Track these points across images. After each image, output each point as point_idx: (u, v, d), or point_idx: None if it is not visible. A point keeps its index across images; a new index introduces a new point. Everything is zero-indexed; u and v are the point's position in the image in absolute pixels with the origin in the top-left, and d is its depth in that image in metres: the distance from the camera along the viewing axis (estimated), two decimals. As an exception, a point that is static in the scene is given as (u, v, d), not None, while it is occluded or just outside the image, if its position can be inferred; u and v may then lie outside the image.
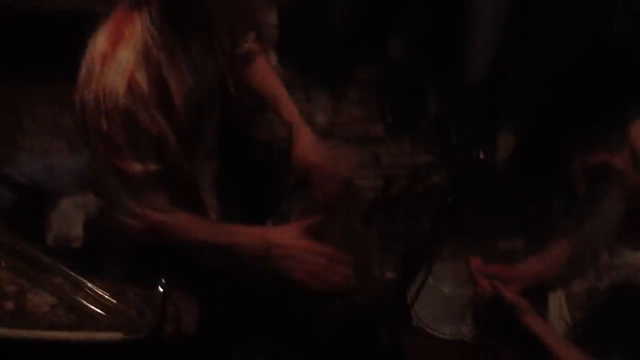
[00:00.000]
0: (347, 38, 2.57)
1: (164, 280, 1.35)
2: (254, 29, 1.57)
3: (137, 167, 1.22)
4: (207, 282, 1.46)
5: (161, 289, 1.34)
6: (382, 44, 3.00)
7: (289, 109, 1.61)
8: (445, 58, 2.50)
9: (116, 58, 1.16)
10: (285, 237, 1.29)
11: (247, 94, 1.63)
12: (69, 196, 1.89)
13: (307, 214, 1.45)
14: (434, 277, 1.51)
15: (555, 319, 1.47)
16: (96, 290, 1.36)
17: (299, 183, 1.61)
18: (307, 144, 1.54)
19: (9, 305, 1.28)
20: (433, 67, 2.64)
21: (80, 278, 1.41)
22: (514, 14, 2.20)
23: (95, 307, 1.33)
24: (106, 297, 1.35)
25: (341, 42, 2.57)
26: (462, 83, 2.45)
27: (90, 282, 1.38)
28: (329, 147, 1.59)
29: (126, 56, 1.16)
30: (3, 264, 1.42)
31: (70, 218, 1.77)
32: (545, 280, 1.51)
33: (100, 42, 1.18)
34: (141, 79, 1.17)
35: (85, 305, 1.33)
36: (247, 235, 1.30)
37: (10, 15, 2.33)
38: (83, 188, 1.98)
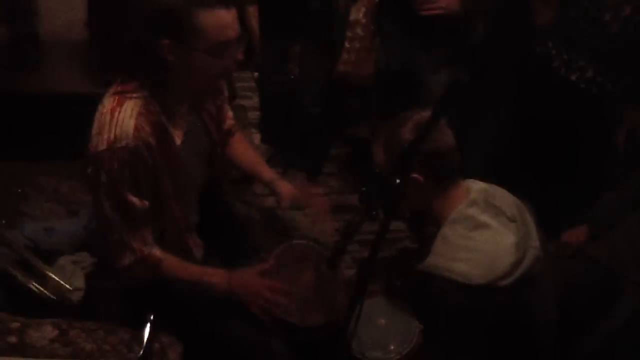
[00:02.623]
0: (321, 118, 2.86)
1: (152, 318, 1.51)
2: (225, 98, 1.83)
3: (136, 201, 1.45)
4: (189, 323, 1.64)
5: (148, 328, 1.50)
6: (354, 124, 3.32)
7: (268, 171, 1.90)
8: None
9: (123, 110, 1.42)
10: (243, 277, 1.59)
11: (229, 160, 1.89)
12: (66, 254, 2.09)
13: (281, 259, 1.67)
14: (371, 311, 1.70)
15: None
16: (90, 327, 1.52)
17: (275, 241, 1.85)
18: (288, 187, 1.86)
19: (12, 339, 1.44)
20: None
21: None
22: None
23: (88, 342, 1.49)
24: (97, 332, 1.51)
25: (316, 121, 2.85)
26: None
27: (85, 321, 1.55)
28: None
29: (131, 107, 1.43)
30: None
31: (67, 273, 1.96)
32: None
33: (108, 101, 1.46)
34: (145, 123, 1.43)
35: (79, 340, 1.48)
36: (215, 275, 1.59)
37: (14, 97, 2.61)
38: (78, 248, 2.19)
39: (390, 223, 1.29)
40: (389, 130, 1.53)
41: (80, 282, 1.91)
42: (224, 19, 1.40)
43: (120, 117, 1.42)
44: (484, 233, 1.48)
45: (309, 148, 2.98)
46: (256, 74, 3.29)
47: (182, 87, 1.50)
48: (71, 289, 1.88)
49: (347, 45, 2.85)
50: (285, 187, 1.86)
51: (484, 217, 1.48)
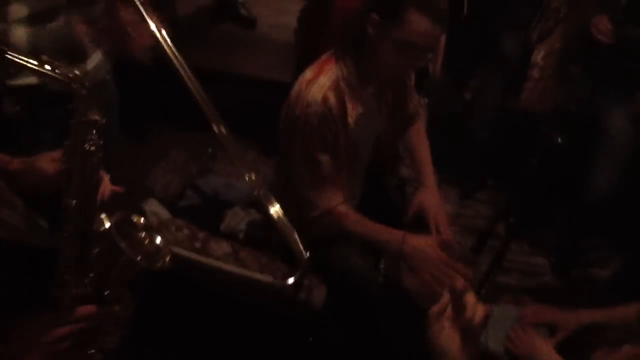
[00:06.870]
0: (488, 143, 2.98)
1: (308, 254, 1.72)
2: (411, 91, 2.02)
3: (324, 158, 1.69)
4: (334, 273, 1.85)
5: (305, 264, 1.72)
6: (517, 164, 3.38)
7: (428, 174, 2.03)
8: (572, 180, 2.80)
9: (317, 82, 1.68)
10: (421, 243, 1.71)
11: (402, 145, 2.07)
12: (238, 206, 2.41)
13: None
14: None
15: None
16: (256, 254, 1.79)
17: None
18: (429, 195, 1.96)
19: (198, 244, 1.74)
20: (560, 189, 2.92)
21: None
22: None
23: (253, 263, 1.75)
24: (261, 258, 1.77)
25: (482, 145, 2.98)
26: (584, 202, 2.71)
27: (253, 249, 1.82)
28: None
29: (323, 82, 1.68)
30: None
31: (239, 217, 2.27)
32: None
33: (307, 73, 1.72)
34: (331, 97, 1.67)
35: (247, 259, 1.75)
36: (390, 234, 1.75)
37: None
38: (249, 205, 2.51)
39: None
40: None
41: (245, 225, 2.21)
42: (427, 27, 1.58)
43: (314, 88, 1.69)
44: None
45: (467, 170, 3.10)
46: (426, 99, 3.50)
47: (369, 69, 1.73)
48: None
49: (525, 84, 2.97)
50: (425, 198, 1.95)
51: None
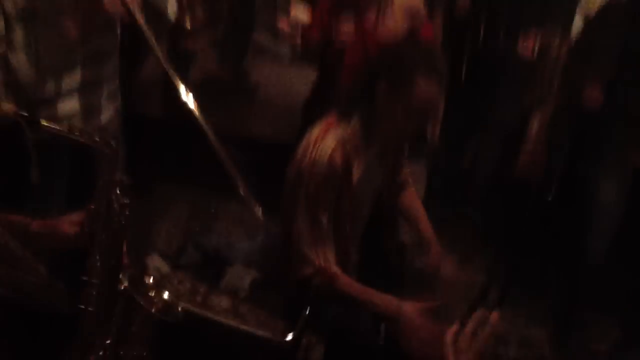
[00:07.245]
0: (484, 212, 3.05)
1: (307, 312, 1.75)
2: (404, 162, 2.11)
3: (325, 217, 1.74)
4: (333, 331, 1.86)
5: (303, 319, 1.74)
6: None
7: (428, 229, 2.09)
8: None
9: (324, 142, 1.74)
10: (414, 312, 1.69)
11: (399, 210, 2.14)
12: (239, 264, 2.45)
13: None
14: None
15: None
16: (256, 309, 1.81)
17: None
18: (438, 251, 2.00)
19: (199, 298, 1.77)
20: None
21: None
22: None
23: (252, 318, 1.77)
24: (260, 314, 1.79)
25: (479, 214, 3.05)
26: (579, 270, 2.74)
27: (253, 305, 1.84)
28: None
29: (330, 142, 1.75)
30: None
31: (240, 274, 2.30)
32: None
33: (315, 132, 1.80)
34: (337, 157, 1.73)
35: (246, 315, 1.77)
36: (386, 301, 1.74)
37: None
38: (248, 263, 2.54)
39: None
40: None
41: (246, 283, 2.23)
42: (435, 90, 1.69)
43: (321, 147, 1.75)
44: None
45: (465, 235, 3.14)
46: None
47: (375, 130, 1.80)
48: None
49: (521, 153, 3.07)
50: (436, 247, 2.01)
51: None
